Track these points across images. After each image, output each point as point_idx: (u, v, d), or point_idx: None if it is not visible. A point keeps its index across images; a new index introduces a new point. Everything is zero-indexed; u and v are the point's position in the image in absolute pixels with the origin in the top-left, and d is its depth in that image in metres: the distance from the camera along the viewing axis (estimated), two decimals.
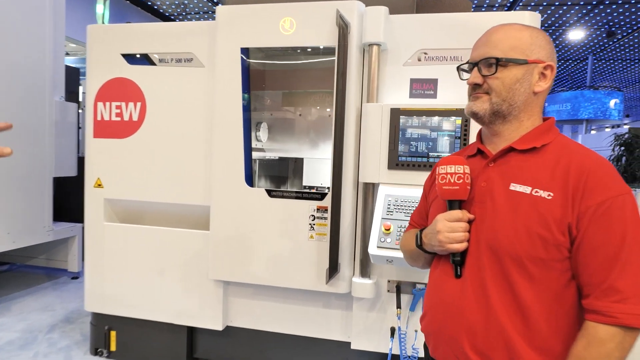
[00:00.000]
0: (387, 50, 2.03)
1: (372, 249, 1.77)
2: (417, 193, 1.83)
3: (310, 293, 2.20)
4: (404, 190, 1.90)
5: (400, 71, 2.03)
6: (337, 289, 2.08)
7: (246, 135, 2.24)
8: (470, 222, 0.99)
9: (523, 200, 0.91)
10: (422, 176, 1.89)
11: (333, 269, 2.03)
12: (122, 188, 2.43)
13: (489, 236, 0.94)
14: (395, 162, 1.92)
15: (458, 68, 1.10)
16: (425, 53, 2.00)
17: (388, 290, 2.07)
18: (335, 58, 1.99)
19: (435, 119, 1.87)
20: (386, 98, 2.04)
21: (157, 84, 2.35)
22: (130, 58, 2.38)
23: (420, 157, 1.89)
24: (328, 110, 2.70)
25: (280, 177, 3.03)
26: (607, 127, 15.50)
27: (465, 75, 1.06)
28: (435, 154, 1.87)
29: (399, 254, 1.74)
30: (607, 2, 8.02)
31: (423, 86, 2.00)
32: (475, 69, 1.01)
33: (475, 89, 1.01)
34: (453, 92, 1.97)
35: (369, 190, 2.01)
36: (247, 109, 2.28)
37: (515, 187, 0.94)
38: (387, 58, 2.04)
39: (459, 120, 1.84)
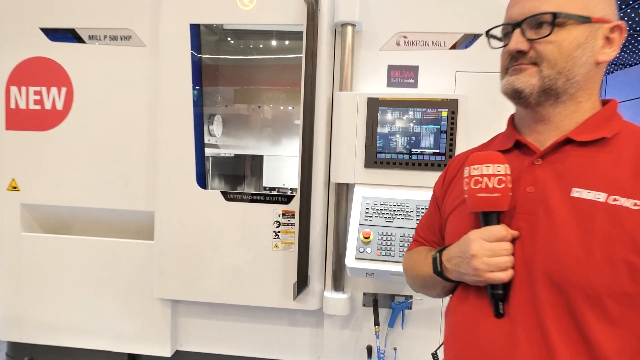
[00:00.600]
0: (361, 32, 1.78)
1: (350, 261, 1.52)
2: (399, 195, 1.60)
3: (274, 310, 1.91)
4: (384, 191, 1.66)
5: (376, 56, 1.79)
6: (306, 306, 1.81)
7: (197, 129, 1.91)
8: (512, 241, 0.75)
9: (597, 212, 0.68)
10: (404, 176, 1.66)
11: (302, 282, 1.76)
12: (44, 191, 2.01)
13: (547, 262, 0.70)
14: (373, 160, 1.67)
15: (488, 33, 0.86)
16: (405, 37, 1.77)
17: (364, 305, 1.83)
18: (304, 38, 1.71)
19: (419, 110, 1.64)
20: (361, 87, 1.79)
21: (86, 66, 1.95)
22: (52, 33, 1.96)
23: (401, 154, 1.66)
24: (290, 108, 2.41)
25: (237, 177, 2.71)
26: None
27: (496, 43, 0.83)
28: (419, 150, 1.65)
29: (381, 266, 1.50)
30: None
31: (402, 74, 1.77)
32: (518, 31, 0.76)
33: (516, 59, 0.77)
34: (435, 82, 1.76)
35: (342, 192, 1.76)
36: (198, 98, 1.95)
37: (580, 193, 0.70)
38: (361, 41, 1.79)
39: (445, 112, 1.63)
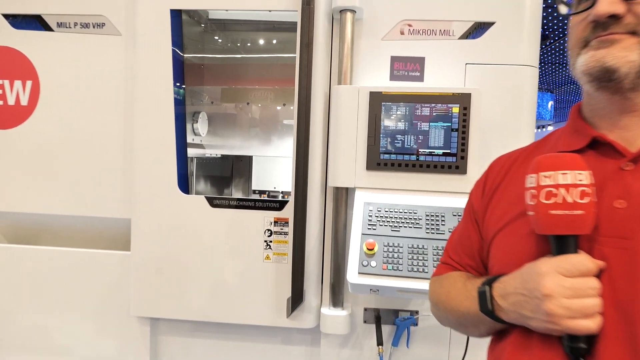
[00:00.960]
0: (362, 19, 1.61)
1: (353, 277, 1.34)
2: (406, 201, 1.43)
3: (266, 328, 1.72)
4: (389, 196, 1.49)
5: (378, 47, 1.61)
6: (301, 324, 1.63)
7: (179, 127, 1.72)
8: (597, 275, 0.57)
9: None
10: (411, 179, 1.49)
11: (297, 298, 1.57)
12: (7, 197, 1.79)
13: None
14: (376, 162, 1.50)
15: None
16: (410, 25, 1.60)
17: (365, 321, 1.66)
18: (299, 25, 1.53)
19: (427, 106, 1.47)
20: (361, 80, 1.62)
21: (54, 57, 1.75)
22: (15, 20, 1.75)
23: (408, 155, 1.48)
24: (279, 108, 2.23)
25: (223, 179, 2.51)
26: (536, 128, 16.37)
27: (569, 8, 0.65)
28: (427, 150, 1.48)
29: (388, 282, 1.33)
30: (543, 6, 8.27)
31: (407, 66, 1.60)
32: None
33: (605, 27, 0.59)
34: (444, 75, 1.59)
35: (341, 197, 1.58)
36: (181, 94, 1.75)
37: None
38: (362, 30, 1.61)
39: (456, 108, 1.46)
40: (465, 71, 1.59)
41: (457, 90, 1.46)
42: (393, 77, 1.61)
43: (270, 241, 1.62)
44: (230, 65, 2.28)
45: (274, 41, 2.21)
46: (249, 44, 2.28)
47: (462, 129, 1.46)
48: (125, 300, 1.73)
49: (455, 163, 1.46)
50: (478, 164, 1.46)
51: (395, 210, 1.45)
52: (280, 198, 2.32)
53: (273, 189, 2.39)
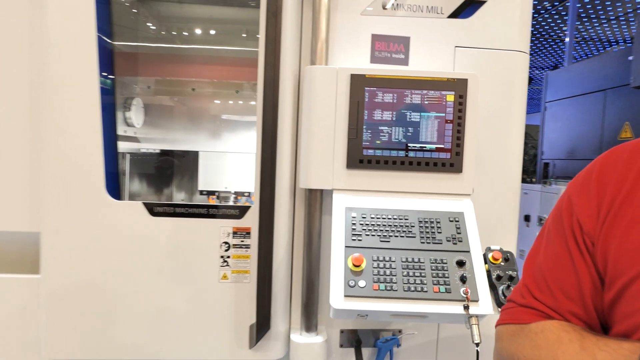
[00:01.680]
0: None
1: (337, 301, 1.08)
2: (395, 204, 1.20)
3: None
4: (374, 200, 1.25)
5: (357, 23, 1.36)
6: (267, 355, 1.34)
7: (107, 116, 1.35)
8: None
9: None
10: (400, 179, 1.26)
11: (262, 324, 1.29)
12: None
13: None
14: (359, 158, 1.25)
15: None
16: None
17: (341, 345, 1.41)
18: None
19: (418, 93, 1.25)
20: (337, 61, 1.36)
21: None
22: None
23: (396, 151, 1.25)
24: (230, 102, 1.91)
25: (163, 178, 2.14)
26: None
27: None
28: (418, 144, 1.25)
29: (381, 305, 1.09)
30: None
31: (390, 46, 1.37)
32: None
33: None
34: (431, 59, 1.38)
35: (315, 201, 1.31)
36: (107, 84, 1.38)
37: None
38: (337, 2, 1.35)
39: (451, 96, 1.25)
40: (455, 55, 1.39)
41: (452, 75, 1.25)
42: (374, 59, 1.37)
43: (228, 257, 1.32)
44: (169, 54, 1.93)
45: (224, 24, 1.89)
46: (194, 30, 1.94)
47: (457, 121, 1.25)
48: (34, 337, 1.33)
49: (449, 160, 1.25)
50: (475, 161, 1.27)
51: (384, 217, 1.21)
52: (233, 201, 2.01)
53: (224, 189, 2.06)
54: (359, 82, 1.24)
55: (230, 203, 1.97)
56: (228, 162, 2.07)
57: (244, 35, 1.92)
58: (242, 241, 1.31)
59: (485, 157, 1.37)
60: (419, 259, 1.14)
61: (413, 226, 1.19)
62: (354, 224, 1.19)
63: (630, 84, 3.03)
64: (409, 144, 1.25)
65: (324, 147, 1.26)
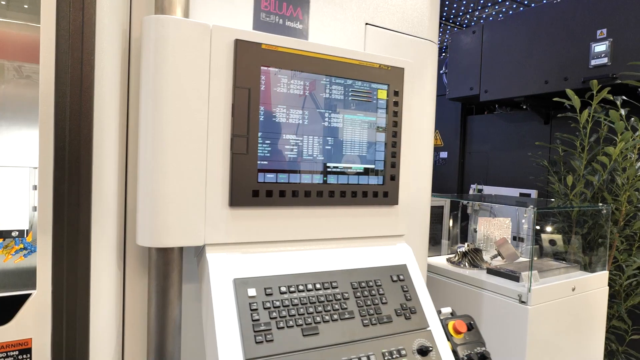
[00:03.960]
0: None
1: None
2: (316, 262, 0.74)
3: None
4: (279, 256, 0.74)
5: None
6: None
7: None
8: None
9: None
10: (316, 219, 0.79)
11: None
12: None
13: None
14: (252, 189, 0.72)
15: None
16: None
17: None
18: None
19: (340, 82, 0.80)
20: (199, 16, 0.79)
21: None
22: None
23: (309, 174, 0.77)
24: None
25: None
26: None
27: None
28: (340, 165, 0.80)
29: None
30: None
31: (282, 8, 0.88)
32: None
33: None
34: (336, 33, 0.95)
35: (171, 271, 0.71)
36: None
37: None
38: None
39: (383, 92, 0.84)
40: (366, 34, 0.99)
41: (385, 61, 0.84)
42: (258, 25, 0.85)
43: None
44: None
45: None
46: None
47: (392, 129, 0.85)
48: None
49: (382, 187, 0.84)
50: (409, 186, 0.90)
51: (301, 289, 0.71)
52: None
53: None
54: (250, 56, 0.71)
55: None
56: None
57: None
58: None
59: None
60: (368, 356, 0.69)
61: (347, 298, 0.74)
62: (254, 309, 0.66)
63: (446, 95, 3.27)
64: (327, 164, 0.79)
65: (185, 169, 0.68)
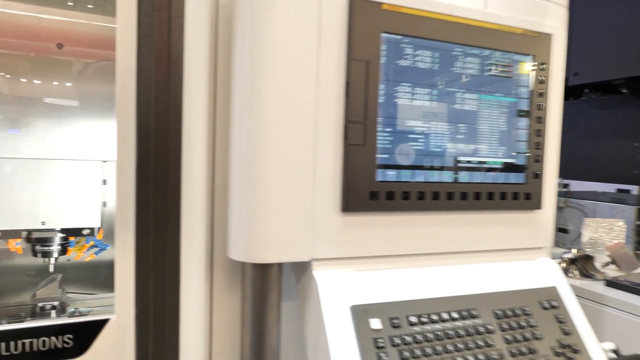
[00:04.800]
0: None
1: None
2: (448, 283, 0.56)
3: None
4: (403, 276, 0.58)
5: None
6: None
7: None
8: None
9: None
10: (445, 227, 0.62)
11: None
12: None
13: None
14: (370, 190, 0.57)
15: None
16: None
17: None
18: None
19: (475, 56, 0.62)
20: None
21: None
22: None
23: (437, 171, 0.61)
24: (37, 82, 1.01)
25: None
26: None
27: None
28: (475, 159, 0.63)
29: None
30: None
31: None
32: None
33: None
34: None
35: (271, 291, 0.58)
36: None
37: None
38: None
39: (524, 65, 0.65)
40: None
41: (532, 25, 0.66)
42: None
43: None
44: None
45: None
46: None
47: (536, 112, 0.66)
48: None
49: (524, 187, 0.66)
50: (553, 186, 0.71)
51: (434, 319, 0.55)
52: (58, 247, 1.12)
53: (41, 227, 1.13)
54: (368, 19, 0.55)
55: (52, 260, 1.08)
56: (48, 174, 1.14)
57: None
58: None
59: None
60: None
61: (491, 332, 0.57)
62: (381, 346, 0.51)
63: None
64: (459, 158, 0.62)
65: (291, 165, 0.54)
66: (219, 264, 0.60)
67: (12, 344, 0.45)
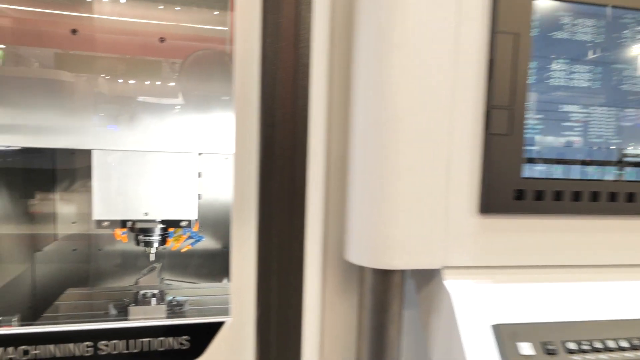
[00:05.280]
0: None
1: None
2: (605, 304, 0.44)
3: None
4: (553, 289, 0.49)
5: None
6: None
7: None
8: None
9: None
10: (604, 233, 0.51)
11: None
12: None
13: None
14: (515, 187, 0.48)
15: None
16: None
17: None
18: None
19: (634, 18, 0.50)
20: None
21: None
22: None
23: (599, 166, 0.50)
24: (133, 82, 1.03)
25: (23, 199, 1.21)
26: None
27: None
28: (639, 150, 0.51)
29: None
30: None
31: None
32: None
33: None
34: None
35: (393, 300, 0.51)
36: None
37: None
38: None
39: None
40: None
41: None
42: None
43: None
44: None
45: None
46: None
47: None
48: None
49: None
50: None
51: (597, 346, 0.45)
52: (158, 237, 1.15)
53: (144, 217, 1.16)
54: None
55: (152, 249, 1.11)
56: (148, 166, 1.17)
57: None
58: None
59: None
60: None
61: None
62: None
63: None
64: (624, 151, 0.50)
65: (423, 157, 0.46)
66: (331, 269, 0.55)
67: (131, 342, 0.44)
